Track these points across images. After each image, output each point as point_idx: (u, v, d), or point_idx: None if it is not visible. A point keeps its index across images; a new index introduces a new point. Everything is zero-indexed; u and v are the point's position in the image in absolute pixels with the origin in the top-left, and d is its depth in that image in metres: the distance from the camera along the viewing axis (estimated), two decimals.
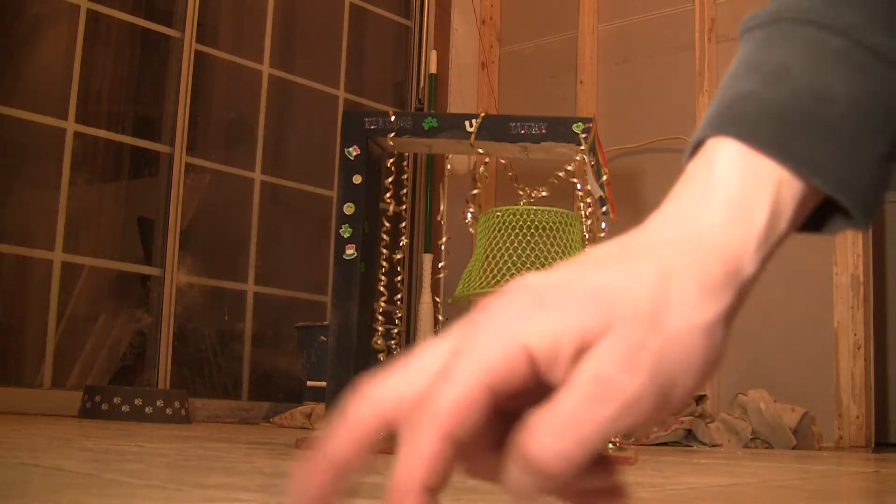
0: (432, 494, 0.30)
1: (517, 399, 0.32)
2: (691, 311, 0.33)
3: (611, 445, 1.58)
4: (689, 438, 2.50)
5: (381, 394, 0.33)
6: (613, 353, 0.31)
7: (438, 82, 3.90)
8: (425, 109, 3.82)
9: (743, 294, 0.35)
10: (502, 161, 1.81)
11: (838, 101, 0.38)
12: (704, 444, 2.48)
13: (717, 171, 0.37)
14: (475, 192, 1.75)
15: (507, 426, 0.33)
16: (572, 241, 1.68)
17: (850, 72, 0.39)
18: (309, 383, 3.10)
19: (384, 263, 1.78)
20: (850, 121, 0.38)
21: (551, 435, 0.30)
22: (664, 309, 0.33)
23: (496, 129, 1.70)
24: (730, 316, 0.35)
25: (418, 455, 0.30)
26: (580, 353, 0.31)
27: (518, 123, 1.70)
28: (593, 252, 0.36)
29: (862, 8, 0.40)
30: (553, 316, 0.32)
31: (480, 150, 1.73)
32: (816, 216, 0.40)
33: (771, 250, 0.37)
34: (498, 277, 1.64)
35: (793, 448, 2.45)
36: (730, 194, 0.37)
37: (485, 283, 1.65)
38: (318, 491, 0.32)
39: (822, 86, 0.38)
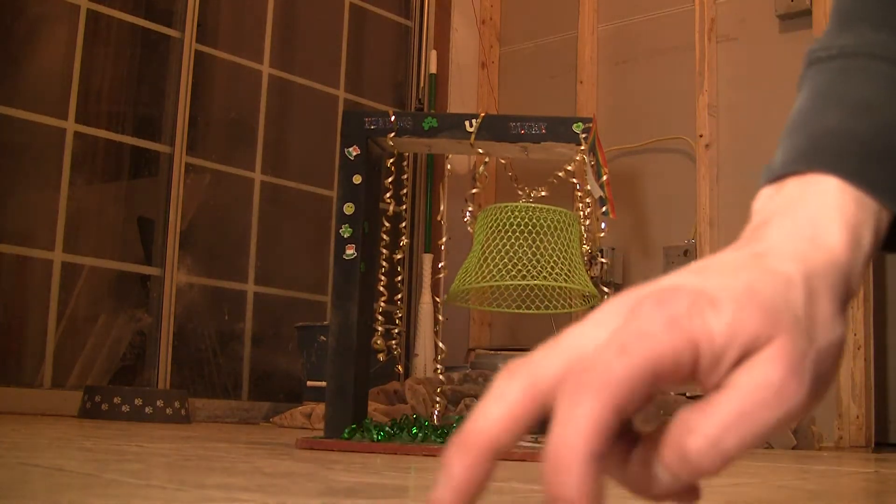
0: (599, 464, 0.29)
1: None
2: (831, 327, 0.35)
3: None
4: None
5: (532, 369, 0.32)
6: (782, 360, 0.32)
7: (438, 82, 3.90)
8: (425, 109, 3.82)
9: None
10: (502, 161, 1.81)
11: None
12: None
13: (827, 199, 0.39)
14: (475, 191, 1.75)
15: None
16: (571, 240, 1.68)
17: None
18: (309, 383, 3.10)
19: (384, 263, 1.79)
20: None
21: (714, 434, 0.31)
22: (814, 323, 0.34)
23: (496, 129, 1.70)
24: None
25: (583, 421, 0.29)
26: (744, 355, 0.32)
27: (518, 123, 1.70)
28: (727, 258, 0.37)
29: None
30: (726, 317, 0.32)
31: (480, 150, 1.73)
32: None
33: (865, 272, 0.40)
34: (494, 273, 1.64)
35: (793, 448, 2.45)
36: (845, 221, 0.39)
37: (480, 279, 1.65)
38: (467, 473, 0.30)
39: None
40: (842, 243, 0.38)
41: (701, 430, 0.31)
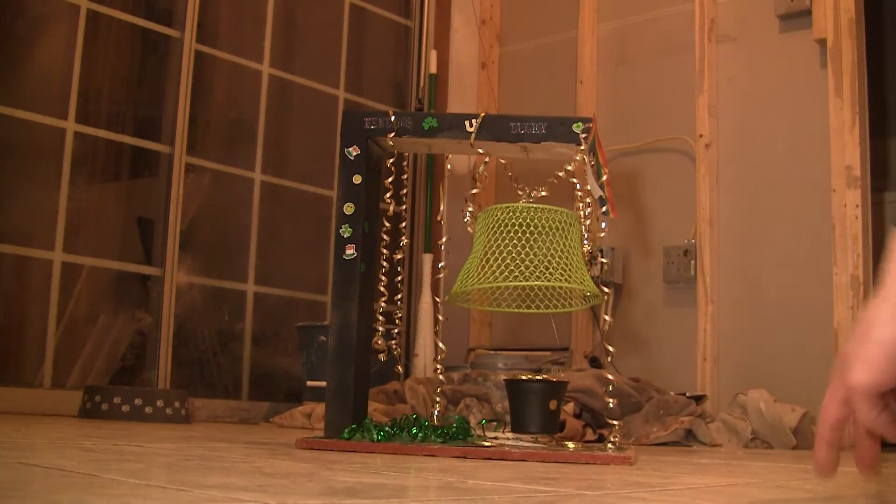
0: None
1: None
2: None
3: (610, 445, 1.58)
4: (689, 438, 2.50)
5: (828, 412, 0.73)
6: None
7: (438, 82, 3.90)
8: (425, 109, 3.82)
9: None
10: (502, 161, 1.81)
11: None
12: (704, 444, 2.48)
13: None
14: (475, 191, 1.75)
15: None
16: (572, 240, 1.68)
17: None
18: (309, 383, 3.10)
19: (384, 263, 1.78)
20: None
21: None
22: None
23: (496, 129, 1.70)
24: None
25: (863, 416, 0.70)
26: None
27: (518, 123, 1.70)
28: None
29: None
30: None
31: (480, 150, 1.73)
32: None
33: None
34: (497, 274, 1.64)
35: (793, 448, 2.45)
36: None
37: (482, 280, 1.65)
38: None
39: None
40: None
41: None
